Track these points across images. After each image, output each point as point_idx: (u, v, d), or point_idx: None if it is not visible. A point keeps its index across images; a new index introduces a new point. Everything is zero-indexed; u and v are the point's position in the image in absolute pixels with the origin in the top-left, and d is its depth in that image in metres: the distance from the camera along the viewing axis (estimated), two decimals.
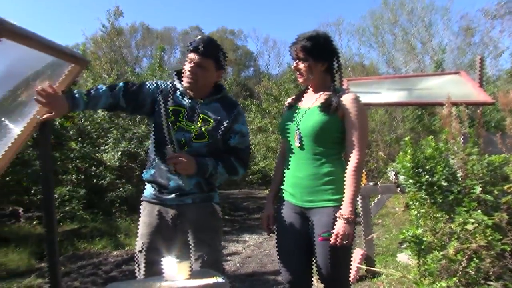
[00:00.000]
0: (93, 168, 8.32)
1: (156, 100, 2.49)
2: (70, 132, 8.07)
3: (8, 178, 6.84)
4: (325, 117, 2.30)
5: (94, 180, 8.27)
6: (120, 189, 8.33)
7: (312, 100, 2.43)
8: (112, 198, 8.14)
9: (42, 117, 2.07)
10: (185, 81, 2.43)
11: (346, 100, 2.31)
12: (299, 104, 2.49)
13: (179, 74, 2.55)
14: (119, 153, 8.22)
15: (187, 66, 2.42)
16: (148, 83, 2.54)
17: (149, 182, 2.56)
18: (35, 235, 6.66)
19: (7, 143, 2.01)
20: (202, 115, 2.46)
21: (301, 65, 2.38)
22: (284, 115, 2.59)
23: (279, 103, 12.16)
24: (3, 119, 1.84)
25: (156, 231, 2.52)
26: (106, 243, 6.62)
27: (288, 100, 2.64)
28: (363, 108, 2.35)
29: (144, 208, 2.60)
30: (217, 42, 2.52)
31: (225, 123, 2.48)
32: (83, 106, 2.26)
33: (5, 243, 5.97)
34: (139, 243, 2.56)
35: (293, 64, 2.42)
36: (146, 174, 2.56)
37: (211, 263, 2.42)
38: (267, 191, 14.19)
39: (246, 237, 7.85)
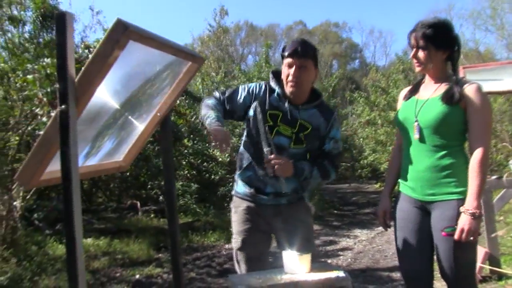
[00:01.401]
0: (205, 164, 8.60)
1: (249, 107, 2.51)
2: (182, 130, 8.40)
3: (127, 174, 7.30)
4: (447, 108, 2.19)
5: (206, 175, 8.54)
6: (230, 184, 8.53)
7: (431, 91, 2.31)
8: (223, 193, 8.37)
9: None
10: (290, 87, 2.42)
11: (469, 90, 2.19)
12: (416, 95, 2.38)
13: (275, 75, 2.54)
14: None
15: (288, 71, 2.40)
16: (239, 92, 2.54)
17: (245, 182, 2.58)
18: (152, 227, 7.06)
19: (133, 139, 2.13)
20: (301, 121, 2.45)
21: (421, 54, 2.26)
22: (400, 107, 2.48)
23: (388, 95, 11.78)
24: (129, 117, 1.95)
25: (253, 228, 2.58)
26: (218, 236, 6.82)
27: (404, 91, 2.53)
28: (487, 99, 2.22)
29: (238, 205, 2.64)
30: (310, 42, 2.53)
31: (323, 130, 2.48)
32: None
33: (126, 234, 6.39)
34: (237, 240, 2.60)
35: (412, 52, 2.30)
36: (242, 175, 2.59)
37: None
38: (376, 186, 13.91)
39: (357, 232, 7.71)
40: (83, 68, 1.37)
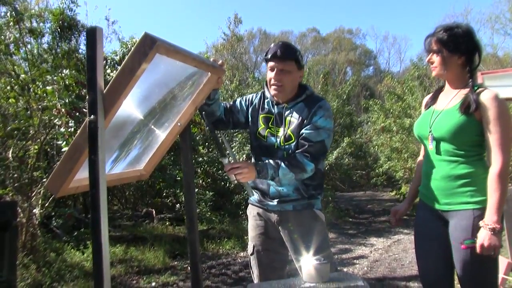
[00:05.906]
0: (220, 172, 8.64)
1: (247, 112, 2.65)
2: (197, 138, 8.45)
3: (142, 182, 7.35)
4: (461, 120, 2.16)
5: (221, 184, 8.57)
6: (245, 192, 8.53)
7: (447, 100, 2.30)
8: (238, 201, 8.39)
9: None
10: (273, 90, 2.50)
11: (485, 99, 2.13)
12: (434, 105, 2.39)
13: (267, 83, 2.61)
14: (244, 156, 8.45)
15: (271, 75, 2.47)
16: (239, 101, 2.70)
17: (252, 188, 2.61)
18: (167, 235, 7.09)
19: (154, 148, 2.18)
20: (288, 118, 2.50)
21: (435, 58, 2.26)
22: (420, 115, 2.49)
23: (403, 102, 11.73)
24: (152, 127, 1.99)
25: (263, 233, 2.63)
26: (233, 244, 6.83)
27: (426, 98, 2.53)
28: (505, 107, 2.14)
29: (250, 211, 2.72)
30: (292, 44, 2.58)
31: (306, 120, 2.46)
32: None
33: (142, 242, 6.43)
34: (250, 245, 2.67)
35: (428, 57, 2.31)
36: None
37: None
38: (391, 193, 13.78)
39: (373, 240, 7.64)
40: (111, 80, 1.42)
